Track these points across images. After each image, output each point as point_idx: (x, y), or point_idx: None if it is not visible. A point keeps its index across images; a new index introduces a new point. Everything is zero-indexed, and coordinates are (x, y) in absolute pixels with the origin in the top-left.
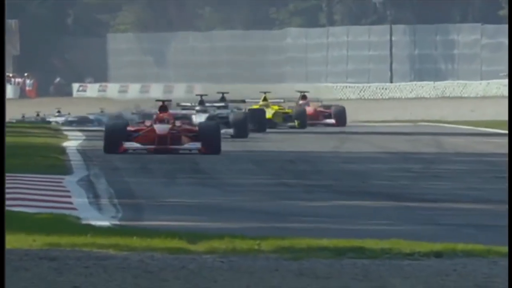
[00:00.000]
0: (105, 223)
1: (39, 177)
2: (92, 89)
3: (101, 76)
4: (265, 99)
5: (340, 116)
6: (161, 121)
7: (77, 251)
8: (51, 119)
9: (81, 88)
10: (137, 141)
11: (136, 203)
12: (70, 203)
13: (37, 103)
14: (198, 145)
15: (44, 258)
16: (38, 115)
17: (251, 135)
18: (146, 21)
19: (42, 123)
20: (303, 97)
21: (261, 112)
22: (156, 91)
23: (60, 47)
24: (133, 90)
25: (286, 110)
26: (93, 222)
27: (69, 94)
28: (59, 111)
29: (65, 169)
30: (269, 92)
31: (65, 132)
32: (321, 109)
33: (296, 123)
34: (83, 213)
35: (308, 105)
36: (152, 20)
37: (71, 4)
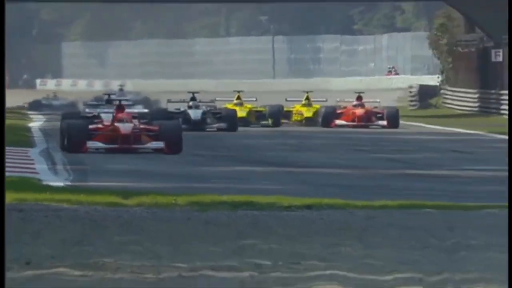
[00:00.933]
0: (60, 183)
1: (10, 149)
2: (50, 84)
3: (57, 74)
4: (238, 98)
5: (393, 118)
6: (120, 120)
7: (39, 204)
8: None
9: (42, 83)
10: (99, 140)
11: (84, 169)
12: (34, 169)
13: (8, 94)
14: (161, 144)
15: (13, 210)
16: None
17: (240, 128)
18: (91, 32)
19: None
20: (358, 98)
21: (232, 111)
22: (98, 86)
23: (27, 50)
24: (81, 85)
25: (259, 109)
26: (51, 183)
27: (34, 87)
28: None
29: (30, 143)
30: (242, 91)
31: (31, 116)
32: (374, 110)
33: (269, 121)
34: (44, 176)
35: (363, 106)
36: (96, 31)
37: (35, 17)
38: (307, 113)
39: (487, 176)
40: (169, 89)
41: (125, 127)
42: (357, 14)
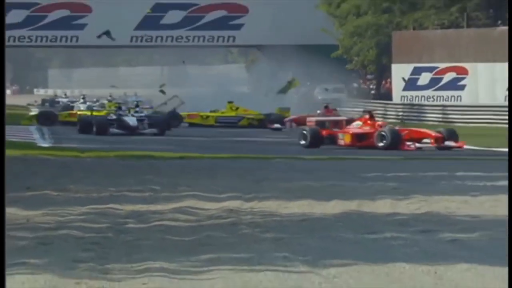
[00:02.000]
0: (46, 145)
1: (19, 126)
2: (42, 91)
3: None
4: None
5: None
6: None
7: (35, 156)
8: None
9: (37, 91)
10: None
11: (59, 137)
12: (32, 137)
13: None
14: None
15: (20, 159)
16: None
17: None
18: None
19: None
20: None
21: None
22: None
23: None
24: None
25: None
26: (42, 145)
27: (32, 93)
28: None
29: (31, 124)
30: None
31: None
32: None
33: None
34: (38, 141)
35: None
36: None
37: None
38: None
39: None
40: None
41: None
42: None
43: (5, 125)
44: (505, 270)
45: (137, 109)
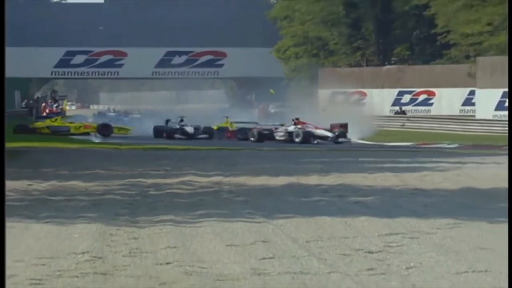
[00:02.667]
0: (97, 140)
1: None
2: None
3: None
4: None
5: None
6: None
7: (87, 148)
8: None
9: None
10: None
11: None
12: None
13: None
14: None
15: (76, 150)
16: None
17: None
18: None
19: None
20: None
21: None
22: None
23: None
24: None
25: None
26: (94, 140)
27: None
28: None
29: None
30: None
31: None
32: None
33: None
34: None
35: None
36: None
37: None
38: None
39: None
40: None
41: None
42: None
43: (5, 125)
44: (389, 220)
45: (182, 122)
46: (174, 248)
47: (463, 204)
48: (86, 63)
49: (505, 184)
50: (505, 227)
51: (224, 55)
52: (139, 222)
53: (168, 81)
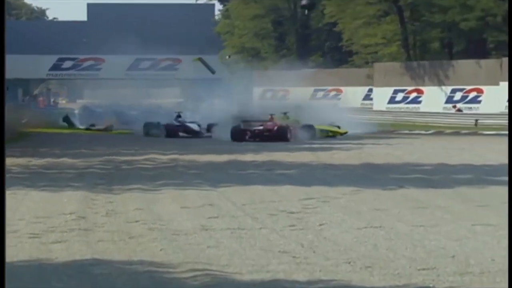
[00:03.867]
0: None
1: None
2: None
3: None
4: None
5: None
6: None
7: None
8: None
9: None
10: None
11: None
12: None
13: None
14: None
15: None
16: None
17: None
18: None
19: None
20: None
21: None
22: None
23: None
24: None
25: None
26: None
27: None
28: None
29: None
30: None
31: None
32: None
33: None
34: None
35: None
36: None
37: None
38: None
39: None
40: None
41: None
42: None
43: (4, 125)
44: (307, 188)
45: (179, 118)
46: (141, 210)
47: (363, 175)
48: (73, 67)
49: (395, 160)
50: (395, 193)
51: (180, 61)
52: (114, 190)
53: (137, 81)
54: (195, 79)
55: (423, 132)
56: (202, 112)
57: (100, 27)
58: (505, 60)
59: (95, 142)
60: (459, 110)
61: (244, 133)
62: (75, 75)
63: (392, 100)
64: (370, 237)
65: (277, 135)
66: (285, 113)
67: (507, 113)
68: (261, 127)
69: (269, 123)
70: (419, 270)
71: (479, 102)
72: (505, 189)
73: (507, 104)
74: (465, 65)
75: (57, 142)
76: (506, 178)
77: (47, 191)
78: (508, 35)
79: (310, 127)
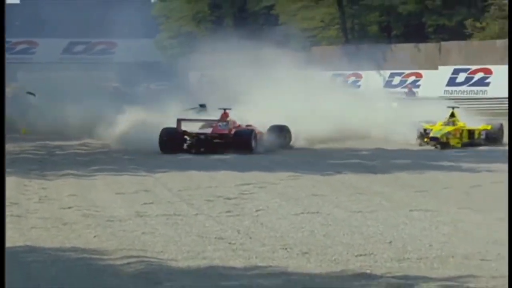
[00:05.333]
0: None
1: None
2: None
3: None
4: None
5: None
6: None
7: None
8: None
9: None
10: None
11: None
12: None
13: None
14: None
15: None
16: None
17: None
18: None
19: None
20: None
21: None
22: None
23: None
24: None
25: None
26: None
27: None
28: None
29: None
30: None
31: None
32: None
33: None
34: None
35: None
36: None
37: None
38: None
39: None
40: None
41: None
42: None
43: (4, 125)
44: (244, 174)
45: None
46: (75, 196)
47: (303, 161)
48: (6, 51)
49: (335, 145)
50: (334, 178)
51: (115, 44)
52: (47, 176)
53: (72, 65)
54: (131, 63)
55: None
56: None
57: (33, 11)
58: (444, 44)
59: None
60: (411, 91)
61: (181, 140)
62: (8, 58)
63: None
64: (307, 223)
65: (235, 142)
66: (202, 105)
67: (447, 97)
68: (209, 131)
69: (220, 125)
70: (356, 256)
71: (418, 86)
72: (443, 174)
73: (446, 88)
74: (403, 49)
75: None
76: (445, 163)
77: None
78: (508, 35)
79: (281, 129)
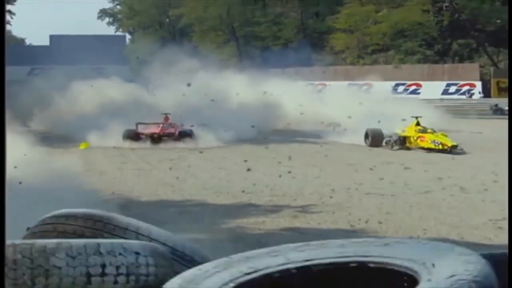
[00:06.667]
0: None
1: None
2: None
3: None
4: None
5: None
6: None
7: None
8: None
9: None
10: None
11: None
12: None
13: None
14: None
15: None
16: None
17: None
18: None
19: None
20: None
21: None
22: None
23: None
24: None
25: None
26: None
27: None
28: None
29: None
30: None
31: None
32: None
33: None
34: None
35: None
36: None
37: None
38: None
39: None
40: None
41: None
42: None
43: (5, 125)
44: (182, 147)
45: None
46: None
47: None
48: None
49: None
50: (240, 148)
51: None
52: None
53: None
54: None
55: None
56: None
57: None
58: None
59: None
60: None
61: (138, 137)
62: None
63: None
64: (217, 175)
65: (181, 137)
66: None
67: None
68: (157, 130)
69: (165, 125)
70: (243, 192)
71: None
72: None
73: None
74: None
75: None
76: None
77: None
78: (508, 35)
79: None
